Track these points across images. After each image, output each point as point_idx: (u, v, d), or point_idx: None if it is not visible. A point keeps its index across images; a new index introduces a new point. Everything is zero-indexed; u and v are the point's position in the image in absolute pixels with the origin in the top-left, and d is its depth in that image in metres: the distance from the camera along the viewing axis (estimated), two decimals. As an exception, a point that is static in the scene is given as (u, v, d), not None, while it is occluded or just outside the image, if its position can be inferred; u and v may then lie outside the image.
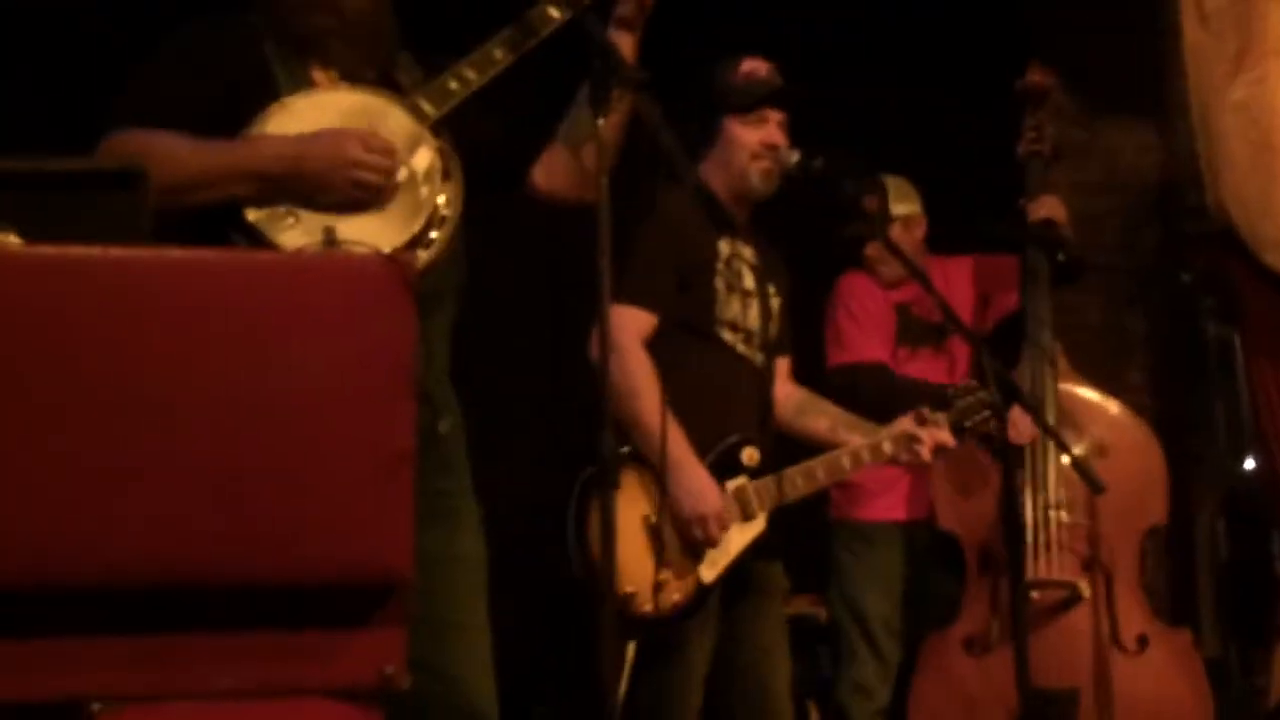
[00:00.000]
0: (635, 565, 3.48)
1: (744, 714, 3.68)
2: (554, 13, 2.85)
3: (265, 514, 2.12)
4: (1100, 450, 4.22)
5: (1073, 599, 4.17)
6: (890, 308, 4.57)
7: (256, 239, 2.63)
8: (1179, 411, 5.24)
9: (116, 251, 2.08)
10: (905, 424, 3.76)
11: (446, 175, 2.76)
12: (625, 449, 3.50)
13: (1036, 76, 4.61)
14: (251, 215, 2.65)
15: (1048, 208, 4.44)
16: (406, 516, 2.19)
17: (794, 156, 3.66)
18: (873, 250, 4.59)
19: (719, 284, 3.68)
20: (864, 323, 4.51)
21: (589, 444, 2.50)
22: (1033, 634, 4.06)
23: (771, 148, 3.69)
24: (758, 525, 3.64)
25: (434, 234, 2.72)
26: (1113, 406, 4.40)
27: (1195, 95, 4.38)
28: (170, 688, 2.11)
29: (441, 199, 2.74)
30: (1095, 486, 3.56)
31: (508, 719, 2.81)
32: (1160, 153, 5.47)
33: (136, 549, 2.06)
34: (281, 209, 2.65)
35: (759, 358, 3.74)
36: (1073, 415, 4.27)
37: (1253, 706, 4.56)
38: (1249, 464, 5.55)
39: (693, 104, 3.76)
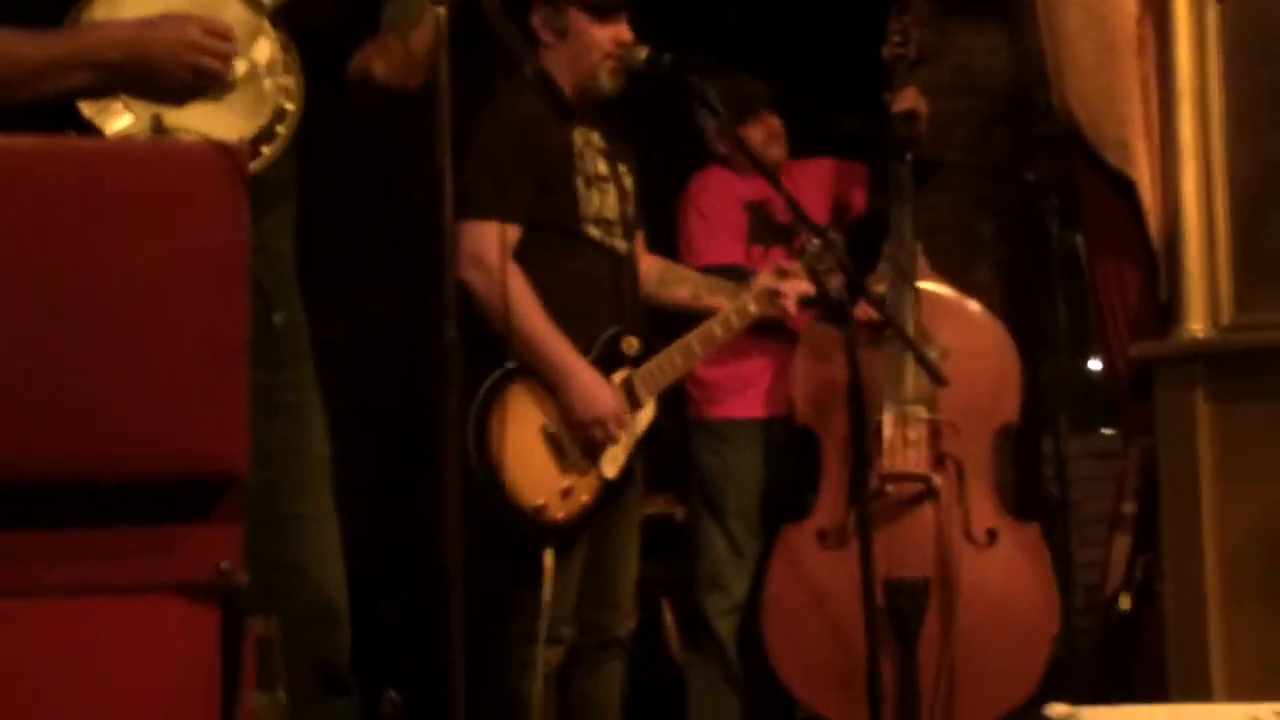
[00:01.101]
0: (541, 475, 3.51)
1: (589, 606, 3.72)
2: None
3: (96, 409, 2.10)
4: (955, 348, 4.28)
5: (926, 493, 4.25)
6: (741, 206, 4.58)
7: (91, 134, 2.55)
8: (1026, 311, 5.33)
9: (-69, 140, 2.03)
10: (765, 280, 3.85)
11: (287, 68, 2.70)
12: (510, 364, 3.50)
13: None
14: (86, 110, 2.56)
15: (909, 100, 4.47)
16: (241, 410, 2.17)
17: (642, 53, 3.64)
18: (725, 148, 4.59)
19: (578, 181, 3.66)
20: (713, 222, 4.52)
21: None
22: (886, 527, 4.16)
23: (622, 45, 3.66)
24: (648, 412, 3.69)
25: (279, 128, 2.67)
26: (970, 305, 4.46)
27: (1042, -6, 4.42)
28: (4, 585, 2.08)
29: (283, 89, 2.68)
30: (938, 379, 3.62)
31: (357, 611, 2.80)
32: (1011, 54, 5.52)
33: (-32, 448, 2.02)
34: (117, 103, 2.57)
35: (622, 245, 3.75)
36: (929, 313, 4.33)
37: (1091, 599, 4.69)
38: (1093, 364, 5.70)
39: None
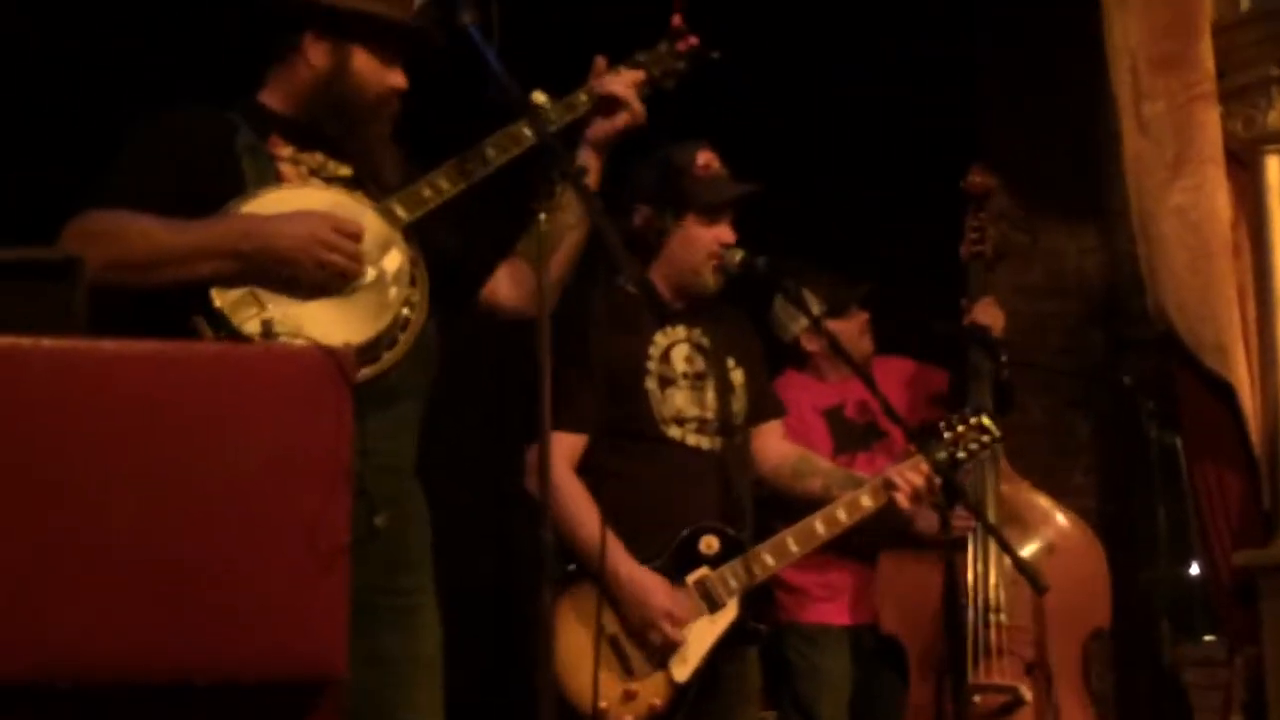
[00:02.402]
0: (603, 681, 3.46)
1: None
2: (526, 131, 2.91)
3: (196, 610, 2.10)
4: (1044, 552, 4.22)
5: (1015, 703, 4.15)
6: (819, 413, 4.56)
7: (220, 325, 2.64)
8: (1124, 515, 5.25)
9: (49, 342, 2.07)
10: (883, 474, 3.73)
11: (413, 280, 2.81)
12: (572, 567, 3.50)
13: (978, 178, 4.65)
14: (218, 300, 2.65)
15: (985, 313, 4.44)
16: (341, 613, 2.16)
17: (738, 255, 3.66)
18: (814, 346, 4.59)
19: (650, 385, 3.67)
20: (795, 435, 4.48)
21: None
22: (977, 738, 4.06)
23: (725, 245, 3.70)
24: (729, 613, 3.60)
25: (399, 334, 2.76)
26: (1055, 508, 4.39)
27: (1135, 200, 4.43)
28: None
29: (407, 302, 2.78)
30: (1038, 587, 3.55)
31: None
32: (1103, 256, 5.53)
33: (67, 646, 2.03)
34: (248, 297, 2.66)
35: (716, 442, 3.71)
36: (1018, 516, 4.26)
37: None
38: (1194, 569, 5.58)
39: (644, 193, 3.75)
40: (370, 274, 2.73)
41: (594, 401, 3.61)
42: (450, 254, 2.98)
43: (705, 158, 3.74)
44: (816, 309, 4.31)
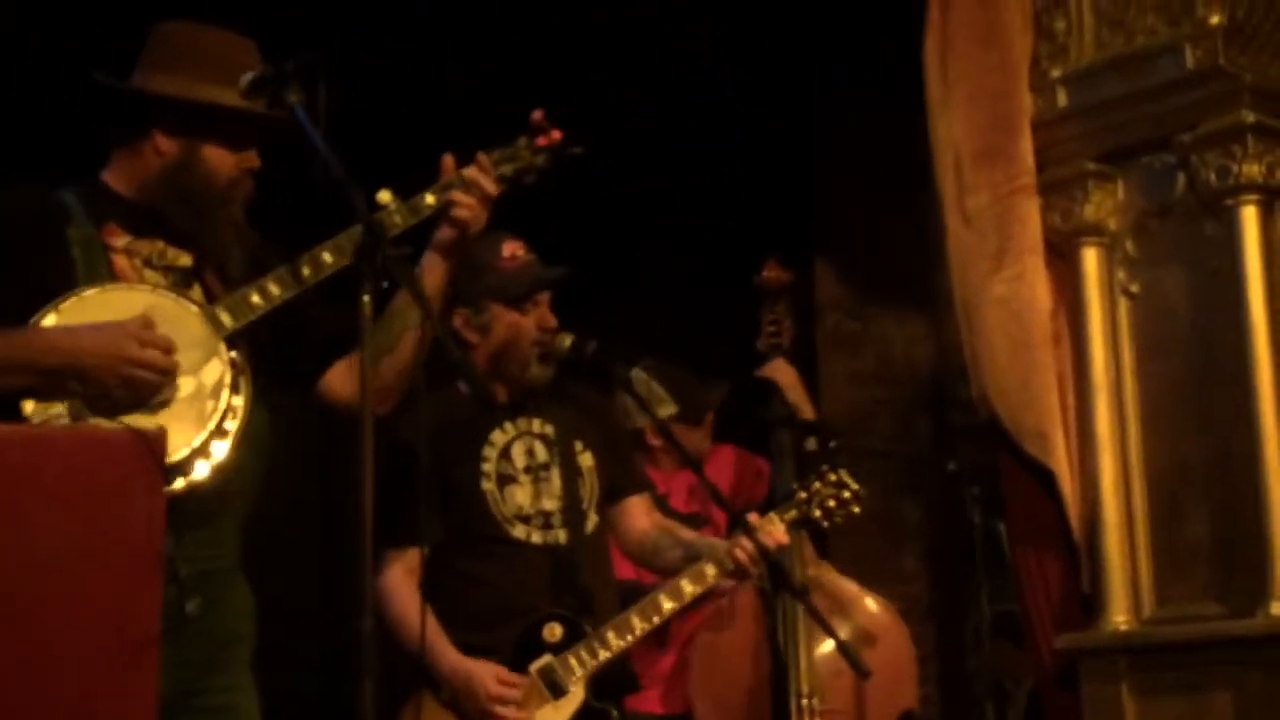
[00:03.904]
0: None
1: None
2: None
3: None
4: (860, 636, 4.24)
5: (836, 788, 4.16)
6: None
7: None
8: (952, 600, 5.32)
9: None
10: (729, 543, 3.68)
11: (236, 389, 2.74)
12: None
13: (773, 273, 4.73)
14: (28, 408, 2.57)
15: (775, 370, 4.49)
16: (149, 704, 2.11)
17: (566, 340, 3.66)
18: (656, 441, 4.60)
19: (487, 486, 3.65)
20: None
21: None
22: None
23: (549, 330, 3.69)
24: (575, 698, 3.56)
25: (216, 444, 2.68)
26: (863, 592, 4.40)
27: (959, 290, 4.52)
28: None
29: (229, 409, 2.71)
30: (861, 671, 3.57)
31: None
32: (931, 344, 5.64)
33: None
34: (60, 408, 2.56)
35: (562, 534, 3.68)
36: (832, 601, 4.29)
37: None
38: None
39: (456, 295, 3.71)
40: (189, 385, 2.67)
41: (428, 513, 3.58)
42: (282, 352, 2.92)
43: (510, 248, 3.72)
44: (668, 405, 4.35)
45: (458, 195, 2.99)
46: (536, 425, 3.74)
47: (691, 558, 3.73)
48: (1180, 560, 4.24)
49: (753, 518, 3.71)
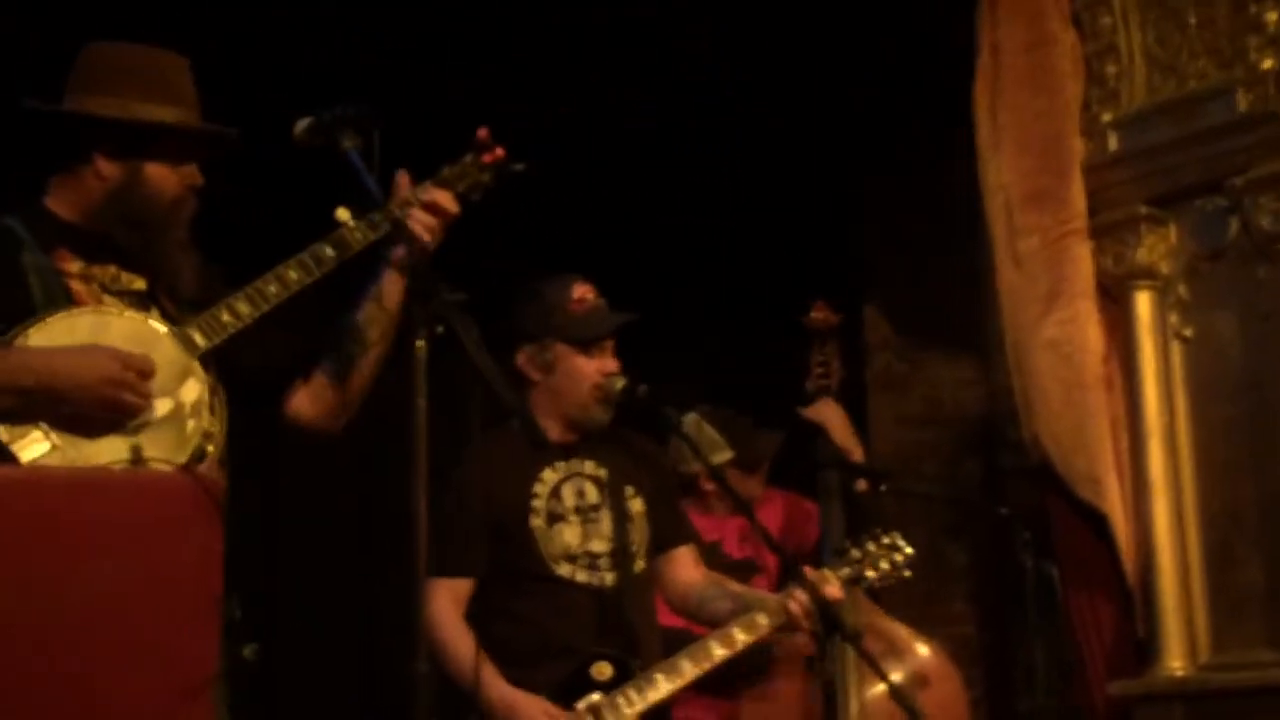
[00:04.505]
0: None
1: None
2: (329, 252, 2.86)
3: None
4: (913, 681, 4.21)
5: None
6: None
7: (7, 458, 2.53)
8: (1002, 643, 5.28)
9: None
10: (782, 595, 3.68)
11: (212, 409, 2.74)
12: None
13: (820, 314, 4.72)
14: (4, 433, 2.55)
15: (820, 411, 4.47)
16: (205, 746, 2.12)
17: (619, 383, 3.67)
18: (710, 487, 4.59)
19: (536, 522, 3.64)
20: None
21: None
22: None
23: (608, 375, 3.70)
24: None
25: (198, 468, 2.65)
26: (914, 637, 4.36)
27: (1009, 334, 4.51)
28: None
29: (205, 434, 2.71)
30: (915, 715, 3.54)
31: None
32: (981, 387, 5.62)
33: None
34: (36, 430, 2.57)
35: (609, 577, 3.68)
36: (886, 645, 4.26)
37: None
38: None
39: (522, 333, 3.74)
40: (167, 405, 2.66)
41: (478, 545, 3.59)
42: (247, 373, 2.89)
43: (580, 290, 3.76)
44: (723, 450, 4.34)
45: (416, 213, 2.95)
46: (589, 467, 3.75)
47: (740, 610, 3.72)
48: (1235, 606, 4.21)
49: (808, 571, 3.71)
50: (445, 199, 3.00)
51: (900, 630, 4.35)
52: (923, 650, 4.31)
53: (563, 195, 5.13)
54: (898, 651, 4.27)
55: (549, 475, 3.70)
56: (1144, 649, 4.26)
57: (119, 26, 2.95)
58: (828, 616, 3.60)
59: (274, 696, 2.86)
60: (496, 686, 3.50)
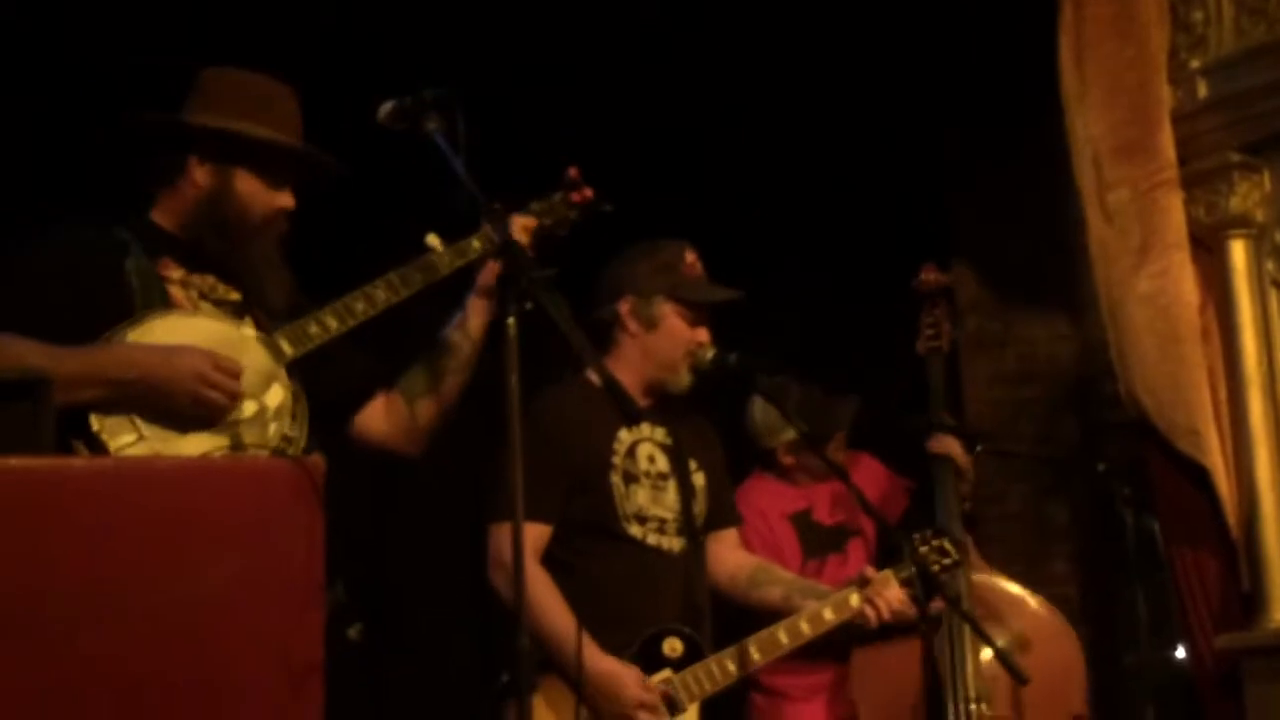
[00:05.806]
0: None
1: None
2: (418, 275, 2.98)
3: (168, 728, 2.08)
4: (1021, 642, 4.19)
5: (1001, 790, 4.10)
6: (786, 519, 4.54)
7: (97, 448, 2.64)
8: (1105, 601, 5.23)
9: (15, 462, 2.07)
10: (850, 590, 3.72)
11: (294, 415, 2.83)
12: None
13: (930, 276, 4.70)
14: (95, 423, 2.66)
15: (944, 446, 4.44)
16: (315, 728, 2.15)
17: (709, 352, 3.68)
18: (790, 460, 4.57)
19: (615, 479, 3.65)
20: (763, 542, 4.43)
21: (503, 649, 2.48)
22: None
23: (702, 345, 3.71)
24: (689, 719, 3.57)
25: None
26: (1027, 596, 4.35)
27: (1103, 288, 4.46)
28: None
29: (285, 438, 2.80)
30: (1019, 678, 3.53)
31: None
32: (1075, 343, 5.56)
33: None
34: (126, 421, 2.67)
35: (677, 543, 3.69)
36: (992, 607, 4.23)
37: None
38: (1179, 653, 5.55)
39: (631, 283, 3.75)
40: (251, 408, 2.76)
41: (561, 493, 3.60)
42: (325, 386, 2.99)
43: (691, 256, 3.79)
44: (786, 430, 4.34)
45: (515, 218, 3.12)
46: (660, 434, 3.76)
47: (791, 596, 3.76)
48: (1343, 554, 4.14)
49: (869, 572, 3.74)
50: (528, 229, 3.18)
51: (1013, 589, 4.33)
52: (1038, 610, 4.29)
53: (647, 169, 5.14)
54: (1009, 611, 4.25)
55: (625, 435, 3.71)
56: (1249, 601, 4.21)
57: (225, 50, 3.10)
58: (926, 580, 3.60)
59: (378, 675, 2.89)
60: (597, 655, 3.49)
